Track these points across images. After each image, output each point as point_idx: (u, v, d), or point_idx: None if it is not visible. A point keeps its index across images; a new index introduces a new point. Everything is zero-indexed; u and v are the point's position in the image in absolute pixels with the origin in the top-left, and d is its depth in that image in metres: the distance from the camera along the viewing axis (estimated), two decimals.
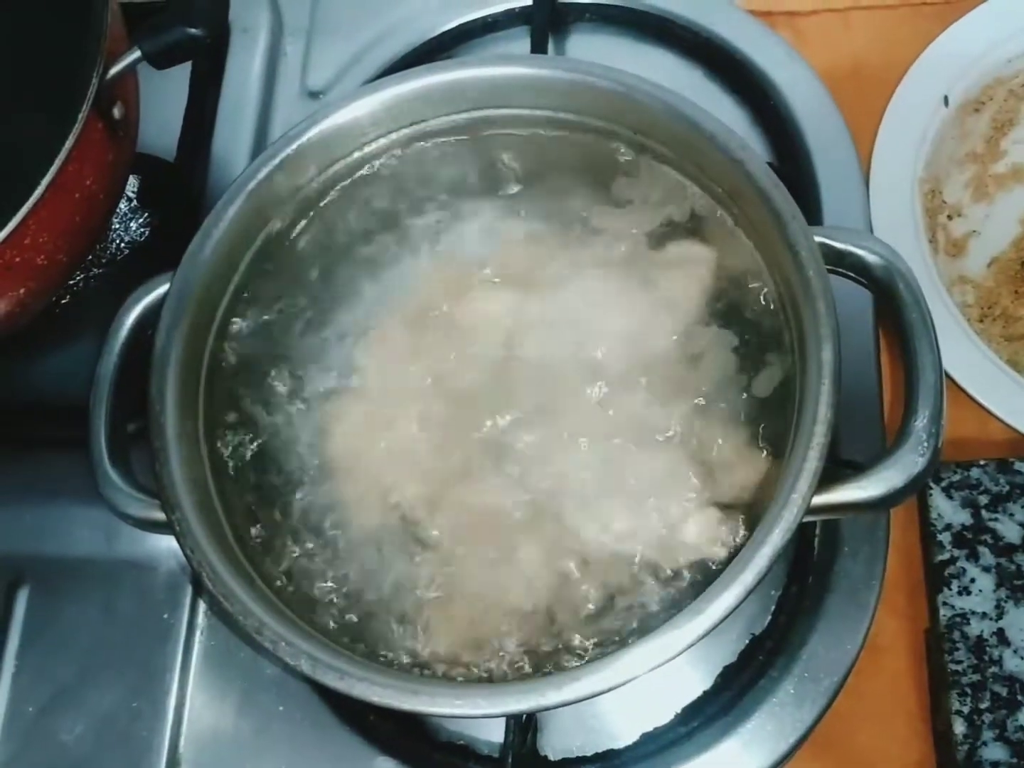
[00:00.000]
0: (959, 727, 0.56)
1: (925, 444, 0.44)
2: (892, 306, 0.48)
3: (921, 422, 0.45)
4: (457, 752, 0.58)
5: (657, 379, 0.52)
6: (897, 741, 0.60)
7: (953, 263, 0.72)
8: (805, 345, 0.46)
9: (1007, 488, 0.61)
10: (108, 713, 0.61)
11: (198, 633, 0.63)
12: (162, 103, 0.76)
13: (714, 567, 0.48)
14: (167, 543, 0.50)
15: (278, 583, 0.51)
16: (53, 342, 0.72)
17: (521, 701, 0.42)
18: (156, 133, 0.75)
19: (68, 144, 0.55)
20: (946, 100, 0.72)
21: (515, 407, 0.53)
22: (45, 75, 0.61)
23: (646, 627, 0.48)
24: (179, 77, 0.77)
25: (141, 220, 0.75)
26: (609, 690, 0.42)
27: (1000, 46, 0.73)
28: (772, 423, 0.50)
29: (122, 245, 0.74)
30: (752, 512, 0.49)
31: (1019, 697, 0.57)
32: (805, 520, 0.44)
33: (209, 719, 0.61)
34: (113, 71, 0.57)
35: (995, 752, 0.56)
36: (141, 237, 0.75)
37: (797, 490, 0.43)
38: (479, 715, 0.42)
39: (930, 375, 0.45)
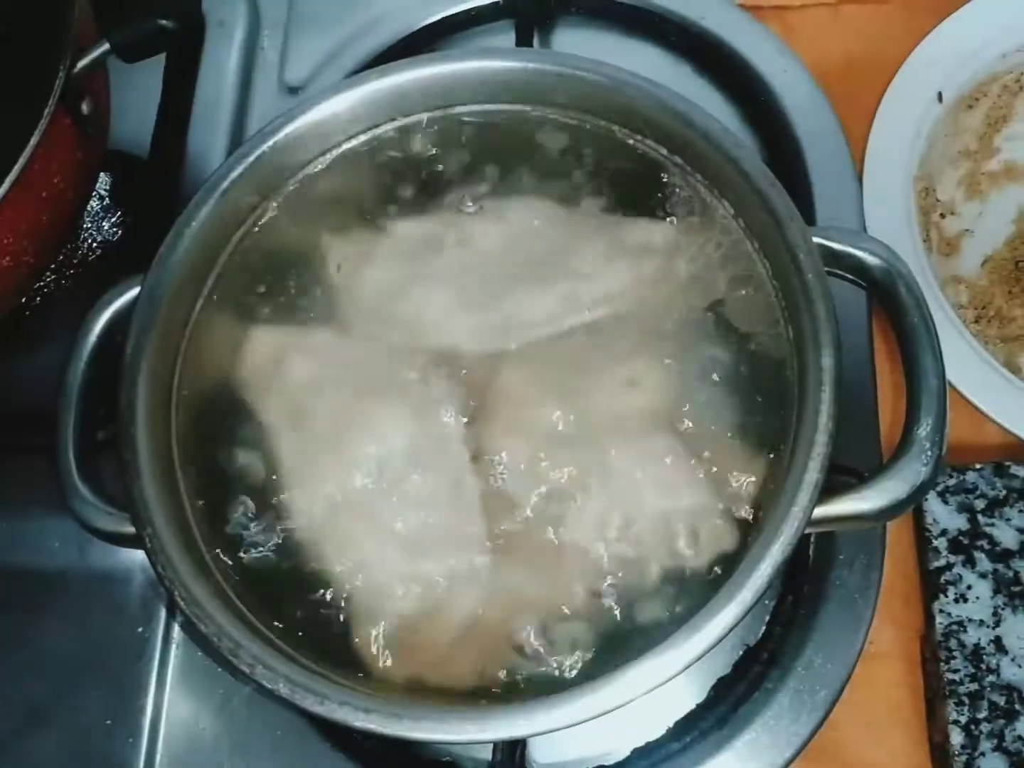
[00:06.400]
0: (956, 737, 0.56)
1: (928, 453, 0.43)
2: (892, 309, 0.47)
3: (924, 430, 0.43)
4: None
5: (652, 381, 0.51)
6: (892, 751, 0.59)
7: (946, 262, 0.71)
8: (804, 350, 0.45)
9: (1003, 492, 0.61)
10: (82, 731, 0.60)
11: (174, 647, 0.61)
12: (135, 98, 0.75)
13: (712, 575, 0.47)
14: (142, 554, 0.49)
15: (252, 595, 0.49)
16: (23, 346, 0.70)
17: (509, 728, 0.41)
18: (129, 129, 0.74)
19: (34, 141, 0.54)
20: (940, 96, 0.71)
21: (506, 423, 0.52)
22: (10, 68, 0.59)
23: (637, 640, 0.47)
24: (153, 72, 0.76)
25: (114, 219, 0.74)
26: (603, 714, 0.41)
27: (994, 41, 0.72)
28: (770, 428, 0.49)
29: (94, 245, 0.73)
30: (750, 519, 0.48)
31: (1017, 707, 0.56)
32: (804, 533, 0.42)
33: (186, 736, 0.59)
34: (81, 64, 0.56)
35: (993, 763, 0.55)
36: (114, 237, 0.73)
37: (797, 503, 0.42)
38: (464, 741, 0.40)
39: (933, 381, 0.44)
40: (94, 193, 0.72)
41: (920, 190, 0.70)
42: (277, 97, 0.76)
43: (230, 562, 0.50)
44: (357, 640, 0.49)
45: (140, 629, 0.61)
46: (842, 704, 0.57)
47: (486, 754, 0.55)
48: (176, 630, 0.61)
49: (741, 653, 0.58)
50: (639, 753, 0.57)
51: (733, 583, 0.41)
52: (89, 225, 0.73)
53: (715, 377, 0.51)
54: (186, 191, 0.71)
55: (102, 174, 0.72)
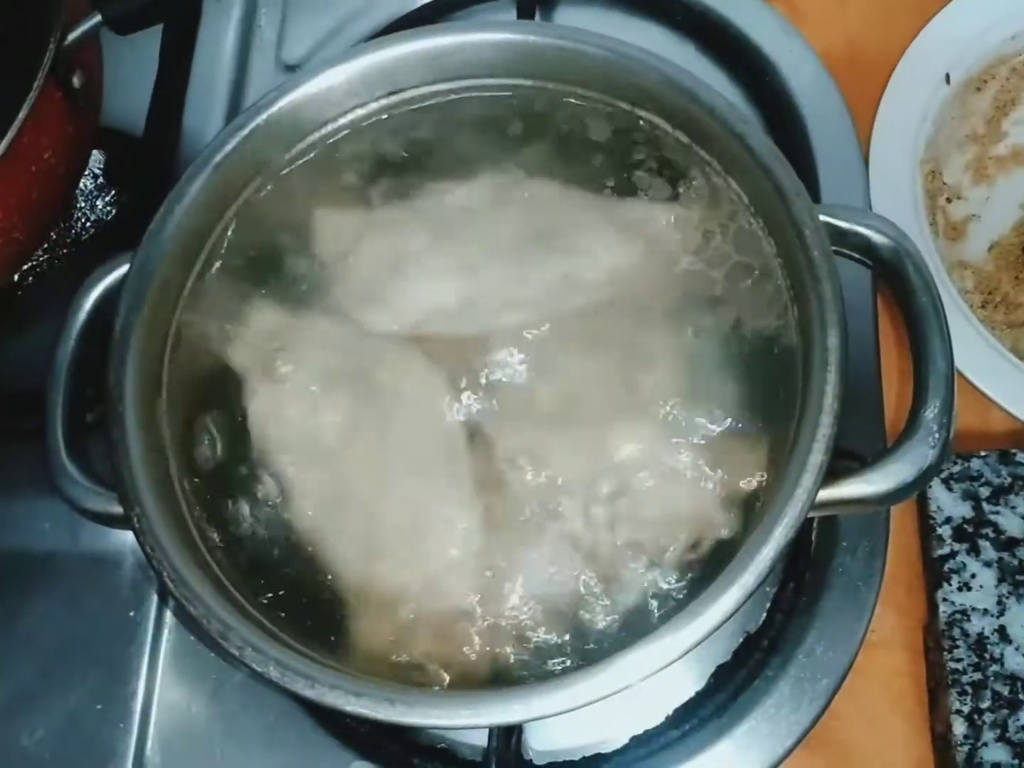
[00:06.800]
0: (959, 727, 0.55)
1: (936, 436, 0.42)
2: (899, 289, 0.47)
3: (931, 412, 0.43)
4: (438, 756, 0.57)
5: (654, 361, 0.50)
6: (894, 741, 0.58)
7: (952, 247, 0.70)
8: (809, 329, 0.44)
9: (1009, 480, 0.60)
10: (71, 715, 0.59)
11: (166, 631, 0.60)
12: (130, 75, 0.74)
13: (713, 558, 0.46)
14: (133, 538, 0.48)
15: (244, 579, 0.49)
16: (15, 326, 0.69)
17: (504, 713, 0.40)
18: (124, 106, 0.73)
19: (22, 114, 0.53)
20: (948, 78, 0.70)
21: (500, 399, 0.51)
22: None
23: (636, 625, 0.47)
24: (148, 48, 0.75)
25: (108, 198, 0.73)
26: (600, 699, 0.40)
27: (1002, 23, 0.71)
28: (774, 408, 0.48)
29: (88, 224, 0.72)
30: (753, 501, 0.47)
31: (1021, 696, 0.55)
32: (807, 517, 0.42)
33: (177, 721, 0.59)
34: (72, 36, 0.56)
35: (996, 753, 0.54)
36: (108, 216, 0.72)
37: (801, 485, 0.41)
38: (459, 726, 0.39)
39: (941, 363, 0.43)
40: (88, 171, 0.71)
41: (927, 174, 0.69)
42: (274, 75, 0.75)
43: (220, 543, 0.49)
44: (349, 623, 0.48)
45: (132, 613, 0.60)
46: (843, 693, 0.56)
47: (482, 740, 0.54)
48: (168, 614, 0.61)
49: (741, 640, 0.57)
50: (637, 741, 0.56)
51: (735, 566, 0.40)
52: (82, 204, 0.72)
53: (718, 356, 0.50)
54: (181, 170, 0.69)
55: (96, 152, 0.71)
